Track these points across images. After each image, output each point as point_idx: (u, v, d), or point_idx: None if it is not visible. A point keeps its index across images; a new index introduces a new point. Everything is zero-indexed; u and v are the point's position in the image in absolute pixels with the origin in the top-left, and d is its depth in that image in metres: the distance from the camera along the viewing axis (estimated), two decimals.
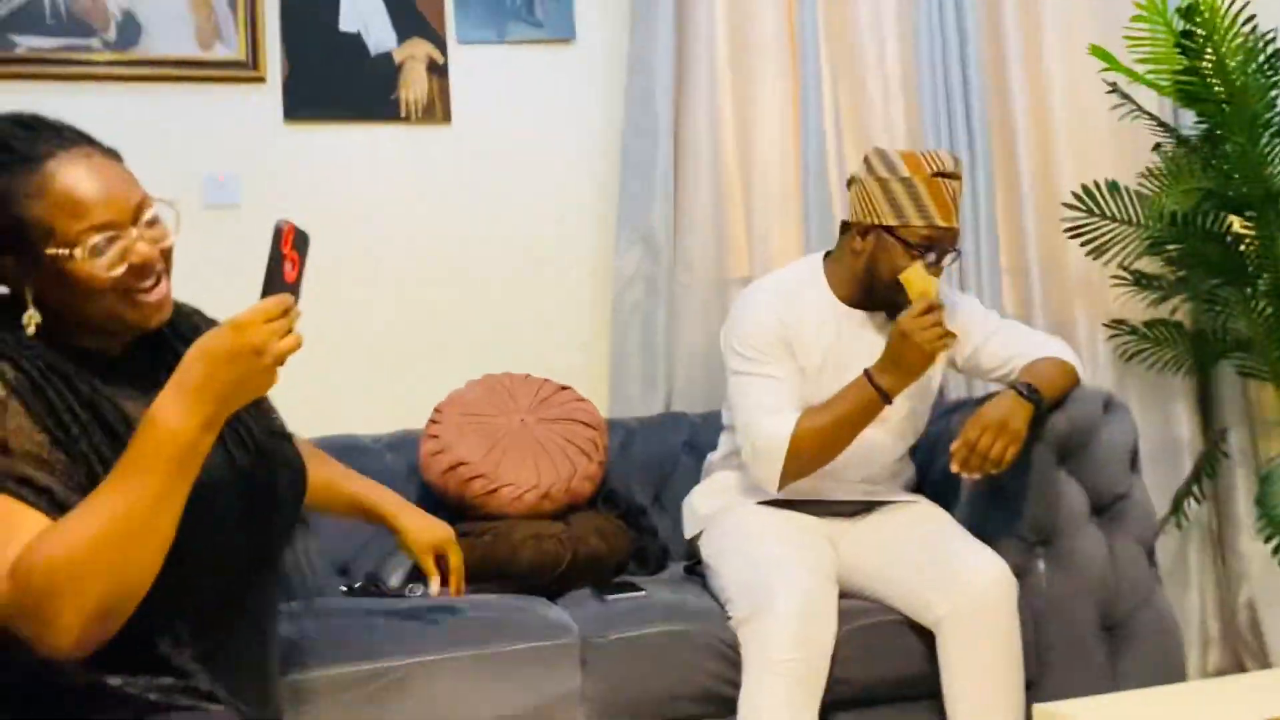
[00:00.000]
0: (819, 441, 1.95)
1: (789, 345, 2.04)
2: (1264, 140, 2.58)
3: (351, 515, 1.72)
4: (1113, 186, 2.80)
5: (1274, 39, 2.62)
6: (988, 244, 2.92)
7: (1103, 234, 2.84)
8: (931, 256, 1.99)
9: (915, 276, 1.93)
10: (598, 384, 2.81)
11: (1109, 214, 2.82)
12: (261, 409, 1.30)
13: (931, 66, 2.93)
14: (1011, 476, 2.03)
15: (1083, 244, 2.87)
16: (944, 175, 2.00)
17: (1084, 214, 2.84)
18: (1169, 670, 2.05)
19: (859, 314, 2.10)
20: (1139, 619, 2.07)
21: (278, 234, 1.10)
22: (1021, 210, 2.98)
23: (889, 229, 2.00)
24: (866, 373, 1.91)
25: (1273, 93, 2.60)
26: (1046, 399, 1.99)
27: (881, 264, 2.03)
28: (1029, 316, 2.92)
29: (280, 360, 1.07)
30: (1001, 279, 2.97)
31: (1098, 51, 2.77)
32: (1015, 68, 2.98)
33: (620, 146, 2.86)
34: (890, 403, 1.91)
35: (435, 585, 1.73)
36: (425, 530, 1.72)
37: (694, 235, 2.87)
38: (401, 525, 1.70)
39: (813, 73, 2.88)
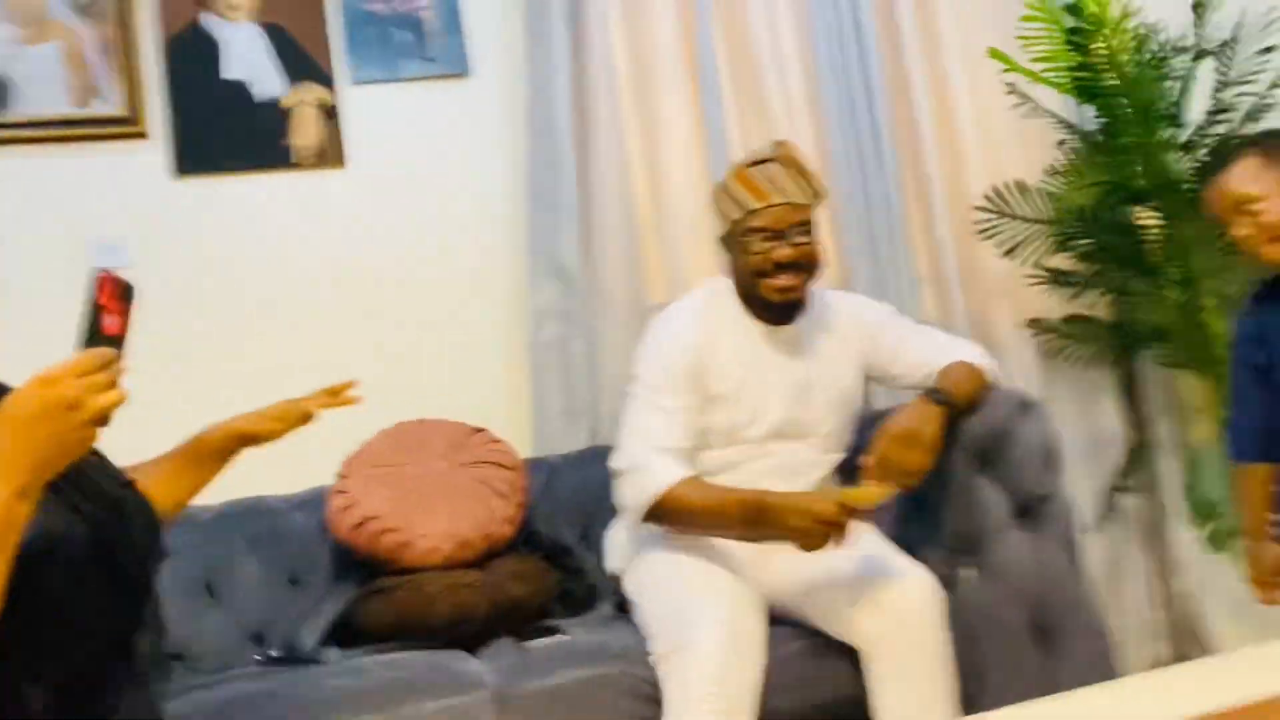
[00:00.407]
0: (685, 517, 1.89)
1: (699, 374, 1.99)
2: (1160, 130, 2.59)
3: (192, 466, 1.52)
4: (1021, 186, 2.80)
5: (1161, 30, 2.65)
6: (903, 254, 2.91)
7: (1015, 234, 2.85)
8: (783, 248, 1.96)
9: (864, 493, 1.76)
10: (519, 423, 2.74)
11: (1019, 214, 2.82)
12: (103, 463, 1.23)
13: (834, 81, 2.92)
14: (931, 486, 1.98)
15: (997, 245, 2.87)
16: (758, 162, 2.00)
17: (995, 215, 2.84)
18: (1102, 669, 2.02)
19: (770, 328, 2.06)
20: (1069, 621, 2.03)
21: (93, 284, 1.03)
22: (934, 218, 2.97)
23: (732, 233, 2.03)
24: (760, 493, 1.83)
25: (1165, 83, 2.62)
26: (960, 404, 1.95)
27: (741, 266, 2.03)
28: (951, 322, 2.91)
29: (100, 417, 0.99)
30: (921, 288, 2.95)
31: (995, 54, 2.78)
32: (917, 76, 2.97)
33: (526, 179, 2.81)
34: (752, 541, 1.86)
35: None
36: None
37: (607, 264, 2.82)
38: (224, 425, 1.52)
39: (714, 93, 2.86)
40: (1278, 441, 1.89)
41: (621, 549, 2.13)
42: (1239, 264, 2.57)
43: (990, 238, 2.85)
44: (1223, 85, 2.62)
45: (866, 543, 1.94)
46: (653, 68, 2.89)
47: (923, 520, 2.06)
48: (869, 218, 2.89)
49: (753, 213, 1.98)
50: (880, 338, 2.10)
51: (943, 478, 1.98)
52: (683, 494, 1.87)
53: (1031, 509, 2.07)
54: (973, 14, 3.03)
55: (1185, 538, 2.81)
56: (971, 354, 2.08)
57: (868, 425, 2.27)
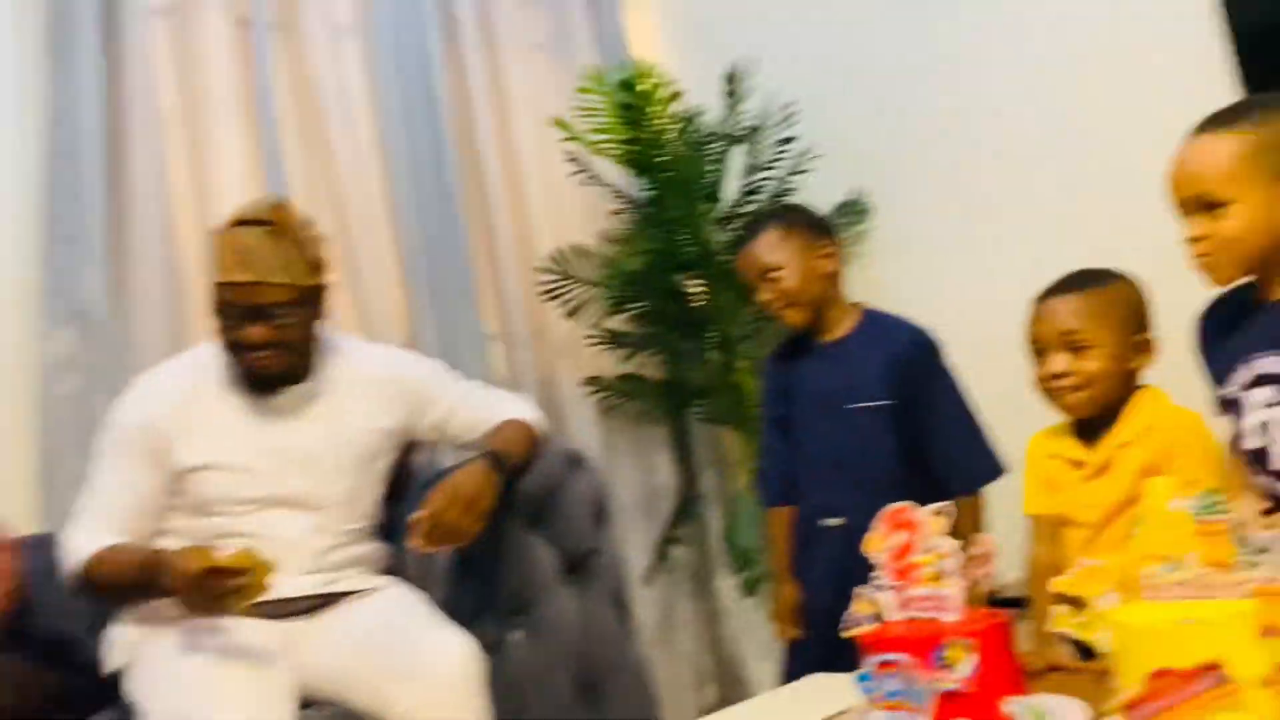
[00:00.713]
0: (105, 587, 1.78)
1: (154, 447, 1.81)
2: (701, 205, 2.81)
3: None
4: (581, 250, 2.91)
5: (703, 113, 2.89)
6: (472, 311, 2.88)
7: (577, 296, 2.94)
8: (252, 329, 1.77)
9: (236, 557, 1.58)
10: (21, 492, 2.33)
11: (580, 276, 2.92)
12: None
13: (405, 134, 2.86)
14: (483, 547, 1.94)
15: (561, 305, 2.94)
16: (245, 222, 1.77)
17: (559, 277, 2.91)
18: None
19: (258, 398, 1.88)
20: (616, 677, 2.07)
21: None
22: (504, 277, 2.99)
23: (209, 296, 1.82)
24: (154, 553, 1.72)
25: (706, 163, 2.85)
26: (513, 463, 1.93)
27: (218, 334, 1.84)
28: (521, 381, 2.93)
29: None
30: (489, 345, 2.94)
31: (558, 122, 2.87)
32: (485, 136, 2.99)
33: (43, 210, 2.43)
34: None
35: None
36: None
37: (142, 313, 2.51)
38: None
39: (272, 133, 2.68)
40: (795, 486, 2.07)
41: (124, 643, 1.84)
42: (769, 328, 2.84)
43: (554, 298, 2.92)
44: (752, 169, 2.89)
45: (405, 611, 1.85)
46: (204, 101, 2.65)
47: (475, 584, 2.01)
48: (437, 274, 2.84)
49: (219, 285, 1.78)
50: (423, 395, 2.02)
51: (494, 538, 1.94)
52: (95, 563, 1.75)
53: (580, 564, 2.09)
54: (542, 79, 3.13)
55: (727, 585, 3.01)
56: (521, 410, 2.08)
57: (429, 484, 2.19)
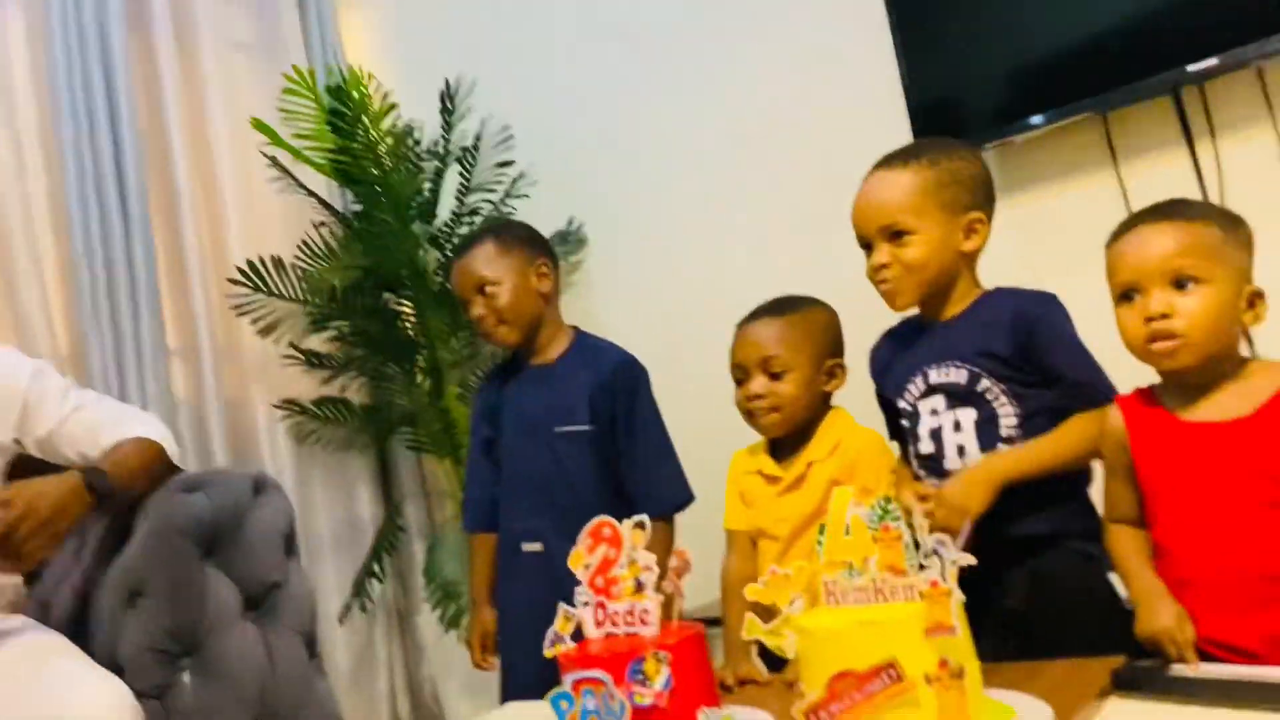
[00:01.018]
0: None
1: None
2: (413, 224, 2.72)
3: None
4: (278, 263, 2.72)
5: (416, 130, 2.81)
6: (150, 323, 2.61)
7: (272, 312, 2.74)
8: None
9: None
10: None
11: (276, 291, 2.73)
12: None
13: (79, 124, 2.56)
14: (151, 578, 1.73)
15: (253, 322, 2.74)
16: None
17: (252, 291, 2.71)
18: None
19: None
20: (302, 718, 1.90)
21: None
22: (190, 287, 2.74)
23: None
24: None
25: (420, 180, 2.77)
26: (120, 484, 1.71)
27: None
28: (202, 399, 2.69)
29: None
30: (169, 360, 2.68)
31: (258, 124, 2.69)
32: (176, 136, 2.75)
33: None
34: None
35: None
36: None
37: None
38: None
39: None
40: (498, 512, 2.01)
41: None
42: (481, 354, 2.78)
43: (245, 314, 2.71)
44: (467, 190, 2.84)
45: (40, 657, 1.61)
46: None
47: (137, 621, 1.78)
48: (110, 284, 2.55)
49: None
50: (29, 406, 1.78)
51: (158, 568, 1.74)
52: None
53: (264, 599, 1.91)
54: (243, 80, 2.92)
55: (429, 621, 2.89)
56: (149, 429, 1.86)
57: None
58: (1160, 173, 2.04)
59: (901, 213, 1.41)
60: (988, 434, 1.38)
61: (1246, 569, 1.09)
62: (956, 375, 1.40)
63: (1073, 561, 1.34)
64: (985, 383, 1.38)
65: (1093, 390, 1.34)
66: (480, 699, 2.77)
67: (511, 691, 1.91)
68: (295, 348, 2.80)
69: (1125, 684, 1.09)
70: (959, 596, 1.01)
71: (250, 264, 2.67)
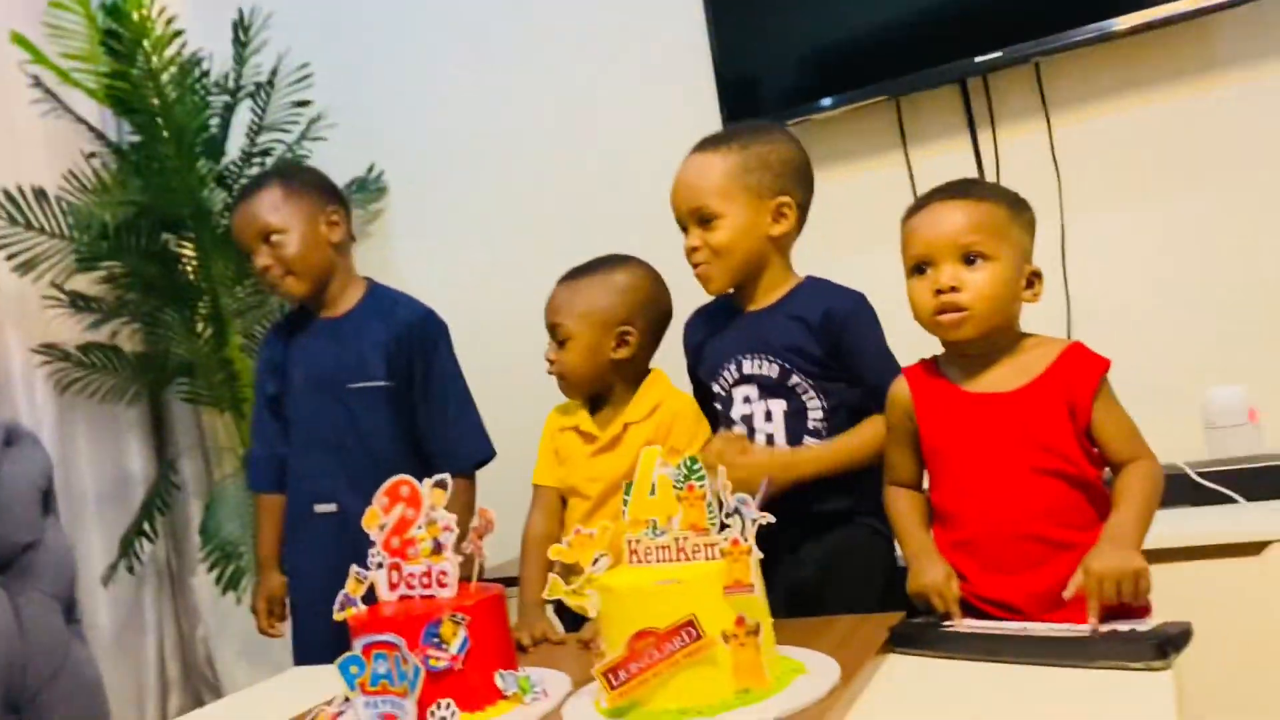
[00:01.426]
0: None
1: None
2: (197, 158, 2.53)
3: None
4: (40, 194, 2.47)
5: (204, 60, 2.61)
6: None
7: (31, 247, 2.49)
8: None
9: None
10: None
11: (37, 224, 2.48)
12: None
13: None
14: None
15: (9, 258, 2.48)
16: None
17: (8, 223, 2.45)
18: None
19: None
20: (56, 688, 1.76)
21: None
22: None
23: None
24: None
25: (206, 114, 2.57)
26: None
27: None
28: None
29: None
30: None
31: (19, 40, 2.42)
32: None
33: None
34: None
35: None
36: None
37: None
38: None
39: None
40: (286, 471, 1.91)
41: None
42: (269, 302, 2.63)
43: (1, 249, 2.45)
44: (259, 129, 2.66)
45: None
46: None
47: None
48: None
49: None
50: None
51: None
52: None
53: (16, 560, 1.75)
54: None
55: (203, 582, 2.73)
56: None
57: None
58: (944, 158, 2.16)
59: (709, 196, 1.42)
60: (796, 426, 1.41)
61: (1016, 530, 1.17)
62: (769, 369, 1.43)
63: (864, 535, 1.41)
64: (795, 378, 1.41)
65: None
66: (259, 665, 2.65)
67: (303, 658, 1.83)
68: (58, 288, 2.55)
69: (902, 640, 1.14)
70: (758, 554, 1.03)
71: (6, 193, 2.41)
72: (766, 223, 1.44)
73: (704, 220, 1.43)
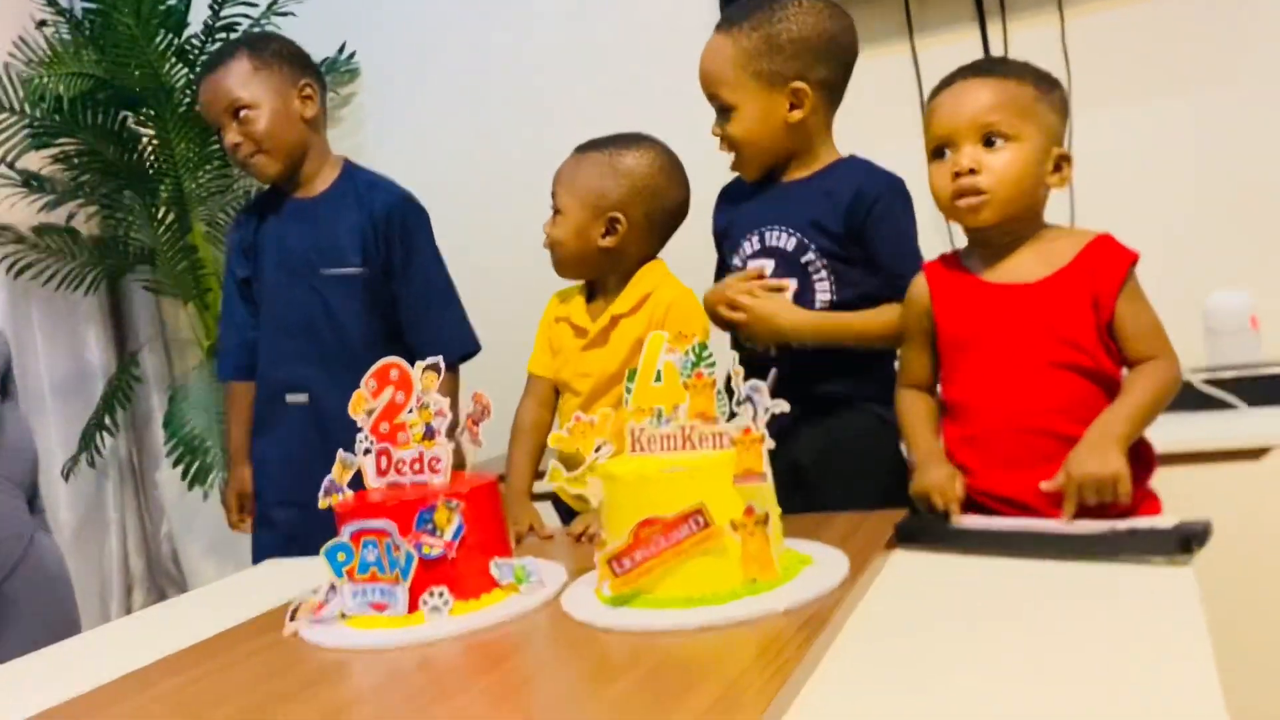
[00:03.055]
0: None
1: None
2: (157, 30, 2.37)
3: None
4: None
5: None
6: None
7: None
8: None
9: None
10: None
11: None
12: None
13: None
14: None
15: None
16: None
17: None
18: (62, 624, 1.73)
19: None
20: (19, 582, 1.69)
21: None
22: None
23: None
24: None
25: None
26: None
27: None
28: None
29: None
30: None
31: None
32: None
33: None
34: None
35: None
36: None
37: None
38: None
39: None
40: (257, 360, 1.83)
41: None
42: (236, 186, 2.51)
43: None
44: (222, 1, 2.50)
45: None
46: None
47: None
48: None
49: None
50: None
51: None
52: None
53: None
54: None
55: (168, 477, 2.66)
56: None
57: None
58: (952, 48, 2.07)
59: (720, 86, 1.36)
60: (801, 307, 1.35)
61: (1029, 425, 1.13)
62: (786, 241, 1.36)
63: (866, 422, 1.36)
64: (810, 254, 1.35)
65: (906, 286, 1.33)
66: (227, 561, 2.60)
67: (264, 553, 1.78)
68: (9, 165, 2.42)
69: (907, 536, 1.11)
70: (770, 444, 0.98)
71: None
72: (783, 111, 1.35)
73: (722, 109, 1.36)
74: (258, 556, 1.78)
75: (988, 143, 1.13)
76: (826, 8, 1.38)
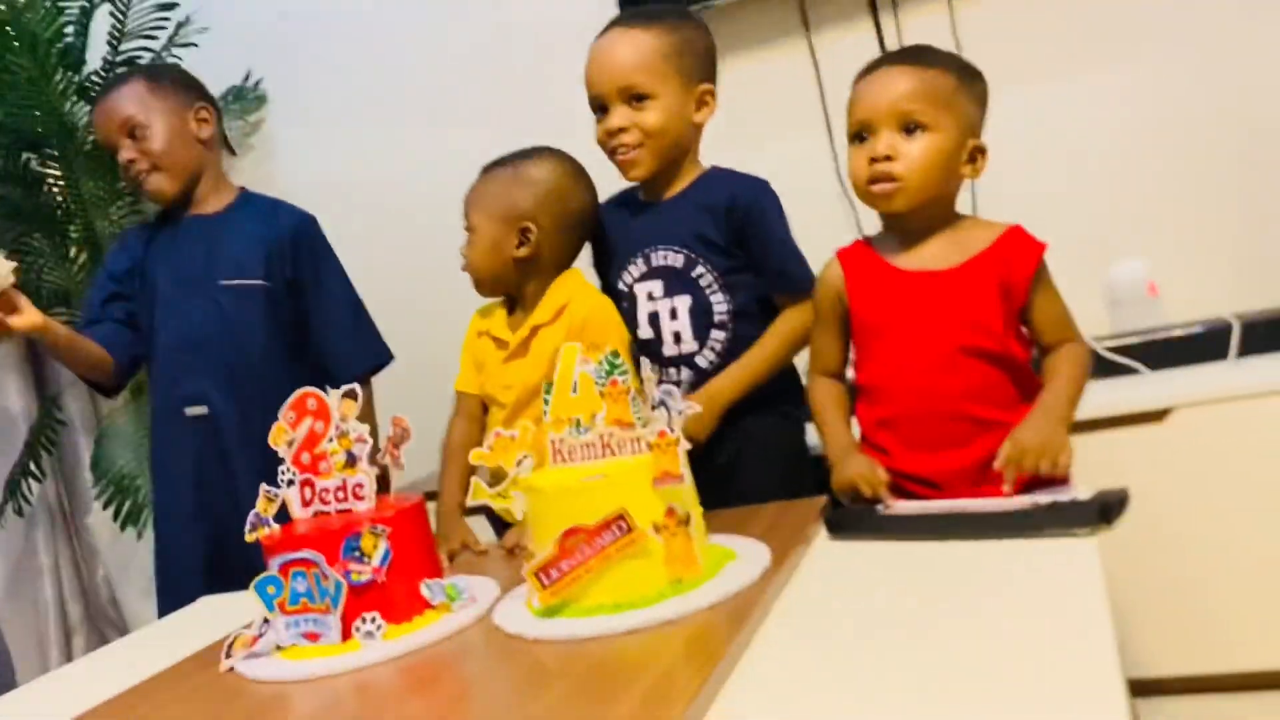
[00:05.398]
0: None
1: None
2: (55, 70, 2.33)
3: None
4: None
5: None
6: None
7: None
8: None
9: None
10: None
11: None
12: None
13: None
14: None
15: None
16: None
17: None
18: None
19: None
20: None
21: None
22: None
23: None
24: None
25: (59, 18, 2.37)
26: None
27: None
28: None
29: None
30: None
31: None
32: None
33: None
34: None
35: None
36: None
37: None
38: None
39: None
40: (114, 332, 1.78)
41: None
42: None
43: None
44: (120, 35, 2.46)
45: None
46: None
47: None
48: None
49: None
50: None
51: None
52: None
53: None
54: None
55: (99, 520, 2.61)
56: None
57: None
58: (847, 41, 2.12)
59: (641, 74, 1.36)
60: (702, 322, 1.38)
61: (941, 408, 1.17)
62: (674, 259, 1.39)
63: (775, 420, 1.41)
64: (700, 269, 1.38)
65: (792, 280, 1.37)
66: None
67: (171, 571, 1.76)
68: None
69: (836, 527, 1.13)
70: (685, 445, 1.01)
71: None
72: (692, 110, 1.39)
73: (635, 98, 1.36)
74: (163, 577, 1.77)
75: (906, 130, 1.16)
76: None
